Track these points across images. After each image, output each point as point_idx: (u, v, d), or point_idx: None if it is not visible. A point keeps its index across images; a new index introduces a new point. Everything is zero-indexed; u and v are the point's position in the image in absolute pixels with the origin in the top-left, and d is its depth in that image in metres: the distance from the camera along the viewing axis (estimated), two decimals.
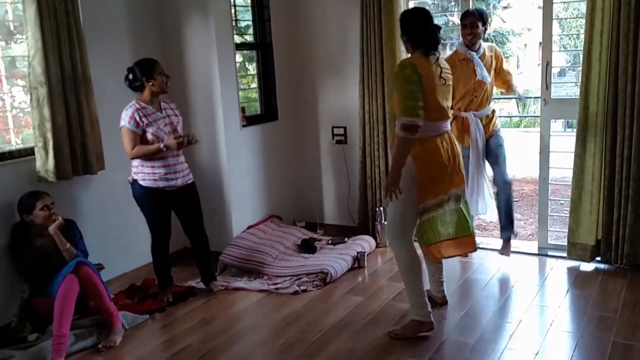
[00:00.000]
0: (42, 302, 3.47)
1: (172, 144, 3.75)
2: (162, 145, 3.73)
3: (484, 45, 4.43)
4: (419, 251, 3.48)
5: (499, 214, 4.61)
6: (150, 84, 3.78)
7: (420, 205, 3.30)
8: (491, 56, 4.44)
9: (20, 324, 3.54)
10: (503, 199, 4.54)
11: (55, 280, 3.40)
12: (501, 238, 4.69)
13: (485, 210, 4.52)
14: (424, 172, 3.23)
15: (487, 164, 4.56)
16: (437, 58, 3.28)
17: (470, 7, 4.72)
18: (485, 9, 16.00)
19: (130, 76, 3.79)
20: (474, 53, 4.32)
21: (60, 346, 3.23)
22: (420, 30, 3.26)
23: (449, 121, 3.36)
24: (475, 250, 3.63)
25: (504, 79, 4.57)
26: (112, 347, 3.46)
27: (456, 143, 3.40)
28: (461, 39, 4.39)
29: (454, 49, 4.50)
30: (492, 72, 4.45)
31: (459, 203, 3.46)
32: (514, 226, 4.65)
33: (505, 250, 4.64)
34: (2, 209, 3.57)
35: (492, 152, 4.50)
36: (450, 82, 3.36)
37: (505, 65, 4.58)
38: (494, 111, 4.54)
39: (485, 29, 4.39)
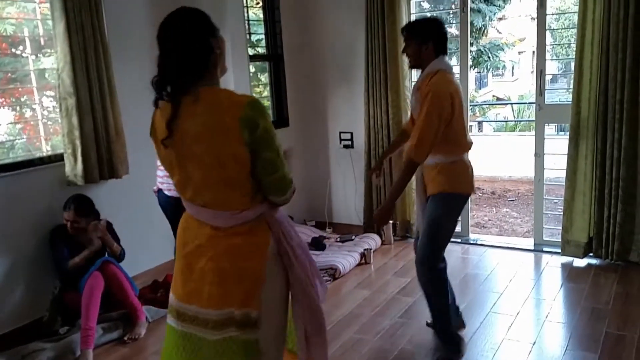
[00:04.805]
0: (72, 296, 3.50)
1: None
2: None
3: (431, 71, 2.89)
4: None
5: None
6: None
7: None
8: (419, 88, 2.90)
9: (52, 318, 3.56)
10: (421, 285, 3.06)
11: (84, 277, 3.43)
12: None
13: None
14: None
15: None
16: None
17: (468, 20, 4.71)
18: (482, 20, 15.74)
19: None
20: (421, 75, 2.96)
21: (88, 338, 3.25)
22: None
23: (196, 205, 1.86)
24: None
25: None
26: (137, 339, 3.48)
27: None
28: None
29: None
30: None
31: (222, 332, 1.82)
32: (447, 342, 3.11)
33: None
34: (34, 211, 3.59)
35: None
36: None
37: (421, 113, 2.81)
38: (437, 165, 2.94)
39: (427, 47, 2.87)
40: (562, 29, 12.98)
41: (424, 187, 3.08)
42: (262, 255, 1.84)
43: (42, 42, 3.84)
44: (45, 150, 3.82)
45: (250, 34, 5.06)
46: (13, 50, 3.73)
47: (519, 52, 21.96)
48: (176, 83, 1.73)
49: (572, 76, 4.16)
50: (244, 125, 1.68)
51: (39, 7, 3.76)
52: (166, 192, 3.81)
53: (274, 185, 1.81)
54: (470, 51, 5.46)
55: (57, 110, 3.66)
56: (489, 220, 6.48)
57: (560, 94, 9.79)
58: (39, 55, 3.87)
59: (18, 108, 3.87)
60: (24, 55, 3.78)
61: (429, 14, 4.85)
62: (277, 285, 1.89)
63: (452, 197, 2.96)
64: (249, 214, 1.81)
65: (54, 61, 3.61)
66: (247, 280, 1.82)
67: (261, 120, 1.72)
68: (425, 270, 2.96)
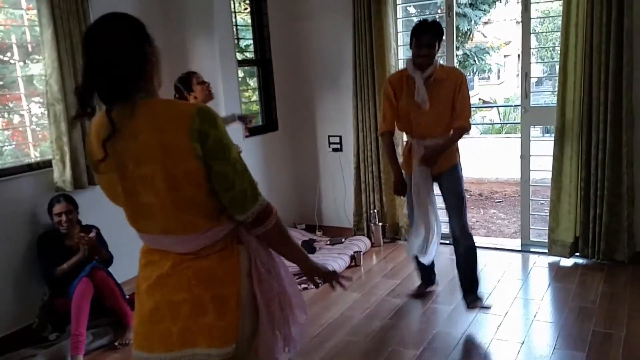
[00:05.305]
0: (61, 303, 3.46)
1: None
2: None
3: (439, 65, 3.38)
4: None
5: (458, 273, 3.64)
6: (193, 96, 3.59)
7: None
8: (442, 80, 3.34)
9: (42, 324, 3.52)
10: (461, 255, 3.57)
11: (74, 282, 3.39)
12: (467, 304, 3.57)
13: (428, 256, 3.64)
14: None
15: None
16: None
17: (454, 24, 4.73)
18: (467, 24, 15.88)
19: (177, 95, 3.59)
20: (419, 72, 3.32)
21: (78, 344, 3.22)
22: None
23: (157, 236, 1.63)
24: None
25: (454, 117, 3.39)
26: (128, 344, 3.44)
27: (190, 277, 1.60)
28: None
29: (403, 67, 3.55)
30: (443, 101, 3.35)
31: None
32: (479, 288, 3.60)
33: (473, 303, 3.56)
34: (23, 217, 3.55)
35: (444, 196, 3.53)
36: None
37: (460, 100, 3.35)
38: None
39: (439, 48, 3.34)
40: (546, 32, 13.06)
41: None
42: (236, 278, 1.61)
43: (30, 49, 3.81)
44: (34, 156, 3.78)
45: (238, 39, 5.04)
46: (1, 56, 3.69)
47: (505, 56, 22.11)
48: (109, 94, 1.49)
49: (557, 79, 4.18)
50: (194, 137, 1.45)
51: (27, 14, 3.73)
52: None
53: (232, 202, 1.54)
54: (457, 55, 5.49)
55: (45, 116, 3.63)
56: (477, 221, 6.50)
57: (546, 96, 9.84)
58: (26, 61, 3.84)
59: (6, 114, 3.83)
60: (11, 61, 3.74)
61: (415, 19, 4.87)
62: (252, 313, 1.65)
63: (461, 166, 3.53)
64: (216, 233, 1.58)
65: (41, 67, 3.58)
66: (228, 311, 1.58)
67: (212, 130, 1.48)
68: (471, 238, 3.52)
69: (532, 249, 4.65)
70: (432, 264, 3.86)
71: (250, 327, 1.65)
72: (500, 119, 17.40)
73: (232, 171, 1.52)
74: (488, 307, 3.63)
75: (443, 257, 4.52)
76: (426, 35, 3.21)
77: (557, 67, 4.18)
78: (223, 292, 1.59)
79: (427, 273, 3.94)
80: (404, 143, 3.96)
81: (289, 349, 1.79)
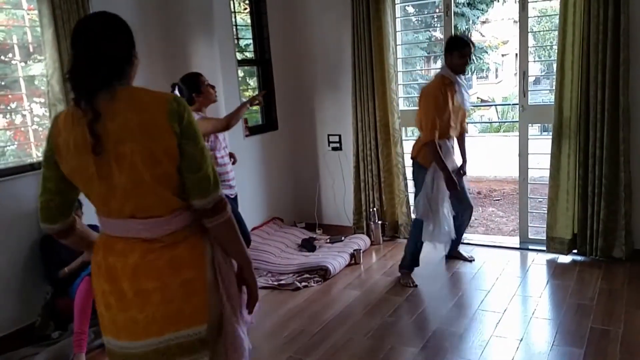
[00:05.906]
0: (64, 301, 3.46)
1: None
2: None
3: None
4: None
5: (458, 233, 4.25)
6: (200, 98, 3.58)
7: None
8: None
9: (44, 323, 3.52)
10: (466, 221, 4.34)
11: (76, 282, 3.39)
12: (450, 256, 4.46)
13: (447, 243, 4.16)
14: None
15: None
16: None
17: (452, 23, 4.73)
18: (465, 24, 15.99)
19: (177, 92, 3.50)
20: (458, 78, 3.85)
21: (81, 342, 3.22)
22: None
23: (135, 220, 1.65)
24: None
25: (462, 117, 4.06)
26: None
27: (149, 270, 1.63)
28: (444, 63, 3.87)
29: (439, 74, 3.88)
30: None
31: None
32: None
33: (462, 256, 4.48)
34: (26, 217, 3.55)
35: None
36: None
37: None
38: None
39: None
40: (544, 31, 13.06)
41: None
42: (202, 263, 1.68)
43: (31, 49, 3.80)
44: (36, 156, 3.78)
45: (238, 39, 5.05)
46: (2, 57, 3.69)
47: (502, 55, 22.07)
48: (96, 84, 1.57)
49: (554, 77, 4.19)
50: (172, 117, 1.56)
51: (28, 14, 3.73)
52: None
53: (195, 184, 1.61)
54: None
55: (47, 116, 3.63)
56: (476, 219, 6.49)
57: (543, 95, 9.84)
58: (28, 62, 3.84)
59: (8, 115, 3.83)
60: (13, 62, 3.74)
61: (413, 18, 4.91)
62: (218, 297, 1.71)
63: None
64: (185, 218, 1.65)
65: (43, 68, 3.58)
66: (194, 293, 1.66)
67: (186, 114, 1.59)
68: None
69: (530, 247, 4.65)
70: (461, 230, 4.33)
71: (217, 310, 1.71)
72: (499, 118, 17.38)
73: (200, 155, 1.61)
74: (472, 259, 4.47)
75: (442, 255, 4.53)
76: (468, 48, 3.77)
77: (555, 65, 4.18)
78: (190, 275, 1.65)
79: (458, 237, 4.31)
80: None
81: (247, 326, 1.88)
